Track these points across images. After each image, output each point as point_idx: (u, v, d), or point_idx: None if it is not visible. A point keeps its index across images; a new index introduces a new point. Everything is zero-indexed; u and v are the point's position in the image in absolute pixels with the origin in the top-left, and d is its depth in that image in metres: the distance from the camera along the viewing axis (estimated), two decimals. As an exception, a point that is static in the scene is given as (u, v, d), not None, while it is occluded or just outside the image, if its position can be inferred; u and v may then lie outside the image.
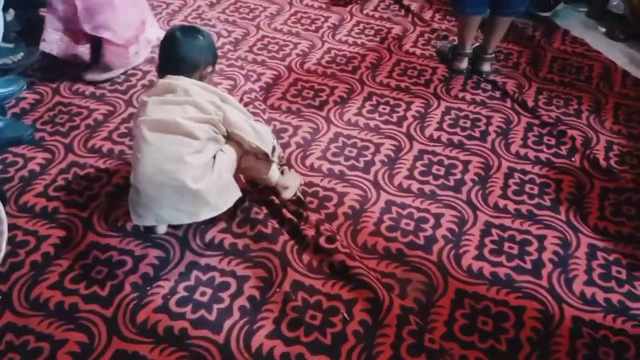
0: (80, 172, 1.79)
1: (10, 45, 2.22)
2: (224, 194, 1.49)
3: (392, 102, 2.15)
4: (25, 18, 2.36)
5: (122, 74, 2.19)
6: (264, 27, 2.58)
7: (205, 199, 1.43)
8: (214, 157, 1.46)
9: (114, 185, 1.75)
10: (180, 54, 1.50)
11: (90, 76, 2.14)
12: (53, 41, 2.04)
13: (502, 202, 1.75)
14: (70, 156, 1.85)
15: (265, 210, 1.67)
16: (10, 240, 1.56)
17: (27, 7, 2.36)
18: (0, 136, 1.77)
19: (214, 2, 2.75)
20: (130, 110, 2.05)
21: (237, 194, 1.53)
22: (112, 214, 1.65)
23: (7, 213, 1.62)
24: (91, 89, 2.14)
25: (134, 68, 2.22)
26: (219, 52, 2.37)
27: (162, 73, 1.53)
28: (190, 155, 1.39)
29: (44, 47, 2.04)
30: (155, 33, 2.26)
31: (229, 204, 1.51)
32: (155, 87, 1.51)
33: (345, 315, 1.40)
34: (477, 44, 2.34)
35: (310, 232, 1.59)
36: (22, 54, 2.19)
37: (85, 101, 2.09)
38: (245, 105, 2.07)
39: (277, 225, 1.63)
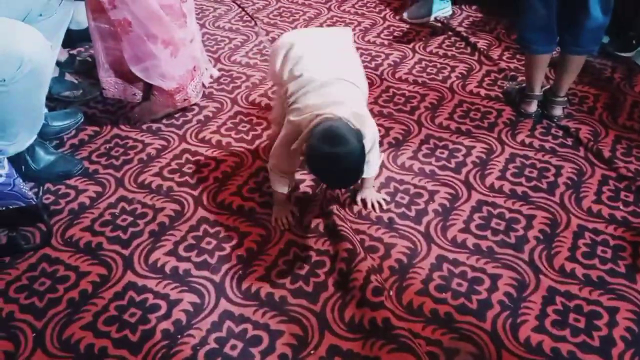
0: (128, 207, 1.79)
1: (75, 80, 2.30)
2: None
3: (451, 146, 2.03)
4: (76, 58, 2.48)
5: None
6: (323, 64, 2.53)
7: None
8: None
9: (158, 223, 1.73)
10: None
11: (139, 116, 2.16)
12: (109, 85, 2.10)
13: (569, 266, 1.57)
14: (120, 190, 1.86)
15: (308, 265, 1.59)
16: (52, 275, 1.57)
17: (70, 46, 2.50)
18: (51, 170, 1.81)
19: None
20: (184, 145, 2.05)
21: None
22: (153, 254, 1.63)
23: (52, 247, 1.65)
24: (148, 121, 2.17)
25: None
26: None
27: None
28: None
29: (106, 93, 2.13)
30: (210, 72, 2.28)
31: None
32: None
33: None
34: (548, 86, 2.18)
35: (358, 282, 1.49)
36: (82, 90, 2.26)
37: (141, 135, 2.11)
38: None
39: (321, 278, 1.54)
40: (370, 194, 1.78)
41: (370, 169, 1.65)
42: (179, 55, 2.00)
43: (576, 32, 1.91)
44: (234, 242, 1.66)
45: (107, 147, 2.05)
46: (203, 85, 2.28)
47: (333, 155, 1.37)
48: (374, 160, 1.64)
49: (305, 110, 1.50)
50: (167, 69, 1.99)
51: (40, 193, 1.80)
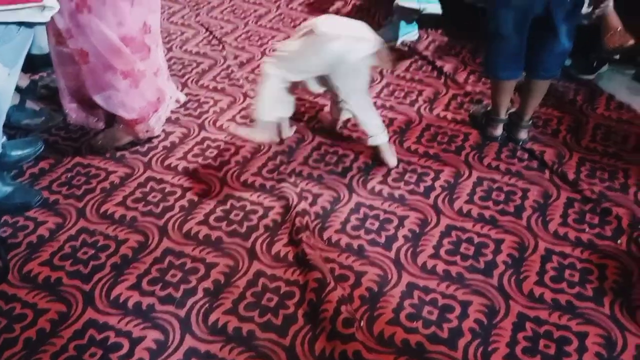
0: (89, 239, 1.73)
1: (36, 108, 2.24)
2: None
3: (419, 170, 2.03)
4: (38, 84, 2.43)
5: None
6: (291, 88, 2.52)
7: None
8: None
9: (121, 256, 1.67)
10: None
11: (102, 143, 2.10)
12: (72, 111, 2.06)
13: (538, 290, 1.57)
14: (82, 221, 1.80)
15: (277, 296, 1.55)
16: (8, 314, 1.49)
17: (32, 71, 2.44)
18: (9, 202, 1.74)
19: (244, 62, 2.73)
20: (149, 173, 2.01)
21: None
22: (115, 288, 1.57)
23: (9, 283, 1.57)
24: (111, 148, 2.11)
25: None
26: (244, 113, 2.34)
27: None
28: None
29: (69, 119, 2.12)
30: (175, 97, 2.25)
31: None
32: None
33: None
34: (513, 110, 2.21)
35: (328, 313, 1.46)
36: (44, 117, 2.19)
37: (104, 162, 2.06)
38: (270, 172, 2.01)
39: (291, 310, 1.50)
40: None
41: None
42: (140, 86, 1.95)
43: (544, 57, 1.95)
44: (200, 274, 1.61)
45: (69, 176, 1.99)
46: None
47: None
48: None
49: None
50: (127, 99, 1.95)
51: (-3, 226, 1.73)
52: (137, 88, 1.94)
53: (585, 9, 2.19)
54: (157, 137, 2.17)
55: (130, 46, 1.86)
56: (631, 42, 2.25)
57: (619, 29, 2.28)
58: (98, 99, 1.93)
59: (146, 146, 2.14)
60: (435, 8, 2.64)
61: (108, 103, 1.94)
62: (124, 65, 1.87)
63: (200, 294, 1.55)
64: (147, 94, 1.99)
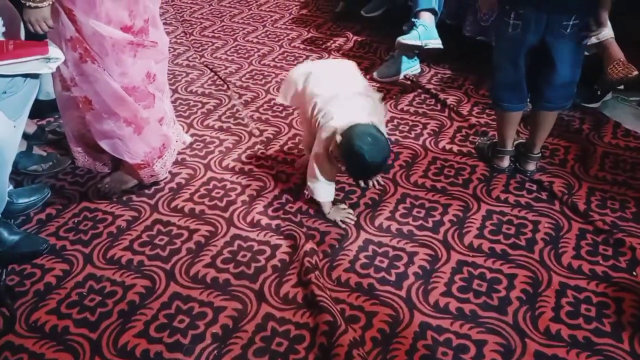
0: (96, 285, 1.72)
1: (43, 153, 2.26)
2: None
3: (427, 204, 2.01)
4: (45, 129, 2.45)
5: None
6: (295, 125, 2.54)
7: None
8: None
9: (128, 302, 1.65)
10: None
11: (109, 186, 2.11)
12: (79, 155, 2.09)
13: (554, 327, 1.53)
14: (89, 267, 1.79)
15: (287, 340, 1.52)
16: (14, 366, 1.47)
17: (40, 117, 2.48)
18: (15, 251, 1.73)
19: (249, 101, 2.76)
20: (156, 216, 2.00)
21: None
22: (122, 336, 1.54)
23: (16, 333, 1.55)
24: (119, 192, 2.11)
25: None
26: (250, 152, 2.34)
27: None
28: None
29: (77, 163, 2.15)
30: (182, 139, 2.26)
31: None
32: None
33: None
34: (520, 140, 2.20)
35: (340, 358, 1.42)
36: (51, 163, 2.21)
37: (111, 206, 2.06)
38: (276, 210, 1.99)
39: (301, 355, 1.47)
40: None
41: None
42: (144, 133, 1.96)
43: (545, 89, 1.93)
44: (208, 319, 1.59)
45: (76, 221, 1.99)
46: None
47: (371, 147, 1.69)
48: None
49: (336, 122, 1.79)
50: (131, 145, 1.96)
51: (3, 275, 1.71)
52: (140, 135, 1.95)
53: (593, 40, 2.19)
54: (163, 178, 2.18)
55: (133, 95, 1.88)
56: (635, 72, 2.25)
57: (621, 60, 2.28)
58: (103, 144, 1.95)
59: (153, 188, 2.14)
60: (437, 43, 2.66)
61: (113, 148, 1.96)
62: (128, 113, 1.89)
63: (208, 339, 1.53)
64: (151, 140, 2.00)
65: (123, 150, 1.96)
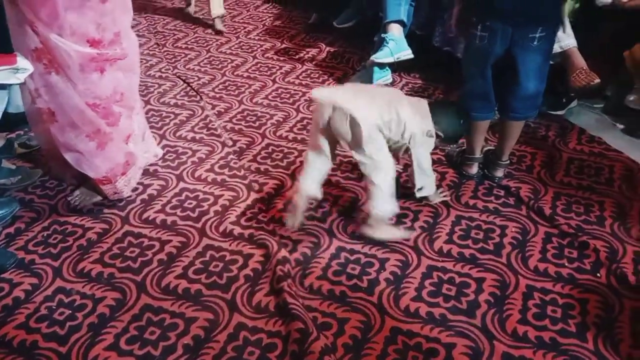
0: (66, 299, 1.70)
1: (12, 167, 2.23)
2: None
3: (398, 212, 2.04)
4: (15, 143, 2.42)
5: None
6: (269, 135, 2.55)
7: None
8: None
9: (98, 315, 1.64)
10: None
11: (79, 199, 2.08)
12: (49, 165, 2.06)
13: (521, 329, 1.56)
14: (58, 281, 1.77)
15: (258, 349, 1.52)
16: (-20, 383, 1.45)
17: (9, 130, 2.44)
18: (-18, 266, 1.71)
19: (222, 111, 2.77)
20: (127, 228, 1.99)
21: None
22: (92, 350, 1.53)
23: (-18, 349, 1.52)
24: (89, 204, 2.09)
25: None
26: (223, 162, 2.35)
27: None
28: None
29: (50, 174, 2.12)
30: (153, 152, 2.26)
31: None
32: None
33: None
34: (488, 147, 2.25)
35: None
36: (20, 176, 2.18)
37: (81, 219, 2.04)
38: (248, 220, 2.00)
39: (269, 360, 1.48)
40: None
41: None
42: (107, 148, 1.94)
43: (511, 100, 1.98)
44: (179, 330, 1.58)
45: (45, 234, 1.97)
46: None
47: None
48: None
49: None
50: (94, 160, 1.94)
51: (-30, 290, 1.69)
52: (103, 150, 1.93)
53: (556, 49, 2.24)
54: (135, 190, 2.16)
55: (97, 111, 1.87)
56: (597, 80, 2.32)
57: (583, 69, 2.35)
58: (67, 157, 1.93)
59: (124, 200, 2.12)
60: (408, 54, 2.72)
61: (76, 162, 1.94)
62: (90, 127, 1.87)
63: (180, 350, 1.52)
64: (115, 156, 1.98)
65: (85, 165, 1.94)
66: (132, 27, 1.99)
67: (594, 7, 2.47)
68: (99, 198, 2.08)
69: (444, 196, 2.08)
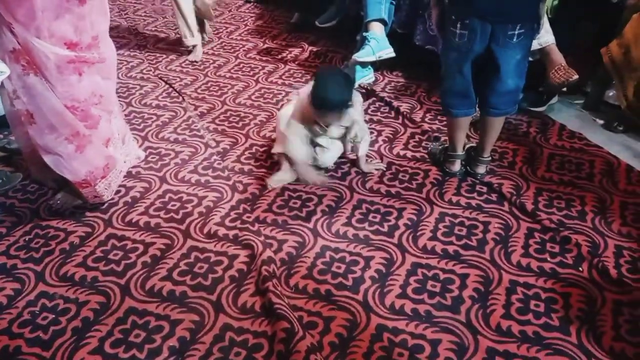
0: (49, 303, 1.68)
1: (-8, 171, 2.21)
2: None
3: (382, 209, 2.05)
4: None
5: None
6: (252, 135, 2.55)
7: None
8: None
9: (82, 319, 1.62)
10: None
11: (60, 202, 2.06)
12: (29, 169, 2.05)
13: (505, 324, 1.58)
14: (41, 285, 1.75)
15: (245, 350, 1.52)
16: (-39, 391, 1.42)
17: None
18: (-39, 272, 1.69)
19: (204, 112, 2.75)
20: (110, 230, 1.97)
21: None
22: (76, 354, 1.51)
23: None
24: (71, 208, 2.07)
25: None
26: (206, 163, 2.34)
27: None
28: None
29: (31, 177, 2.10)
30: (135, 155, 2.23)
31: None
32: None
33: None
34: (470, 144, 2.27)
35: (296, 364, 1.43)
36: (0, 180, 2.15)
37: (63, 223, 2.01)
38: (233, 220, 1.99)
39: (256, 361, 1.48)
40: (367, 166, 2.26)
41: (361, 149, 2.22)
42: (86, 151, 1.92)
43: (491, 96, 2.00)
44: (164, 332, 1.57)
45: (27, 239, 1.94)
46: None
47: (332, 77, 2.04)
48: (363, 136, 2.19)
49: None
50: (72, 163, 1.91)
51: (-50, 297, 1.66)
52: (82, 153, 1.90)
53: (535, 45, 2.27)
54: (117, 192, 2.15)
55: (75, 114, 1.85)
56: (575, 76, 2.36)
57: (562, 65, 2.38)
58: (46, 159, 1.90)
59: (106, 203, 2.10)
60: (389, 52, 2.72)
61: (55, 164, 1.91)
62: (68, 130, 1.85)
63: (165, 353, 1.51)
64: (94, 160, 1.96)
65: (64, 168, 1.91)
66: (112, 28, 1.98)
67: (572, 4, 2.50)
68: (80, 201, 2.05)
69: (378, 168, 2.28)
